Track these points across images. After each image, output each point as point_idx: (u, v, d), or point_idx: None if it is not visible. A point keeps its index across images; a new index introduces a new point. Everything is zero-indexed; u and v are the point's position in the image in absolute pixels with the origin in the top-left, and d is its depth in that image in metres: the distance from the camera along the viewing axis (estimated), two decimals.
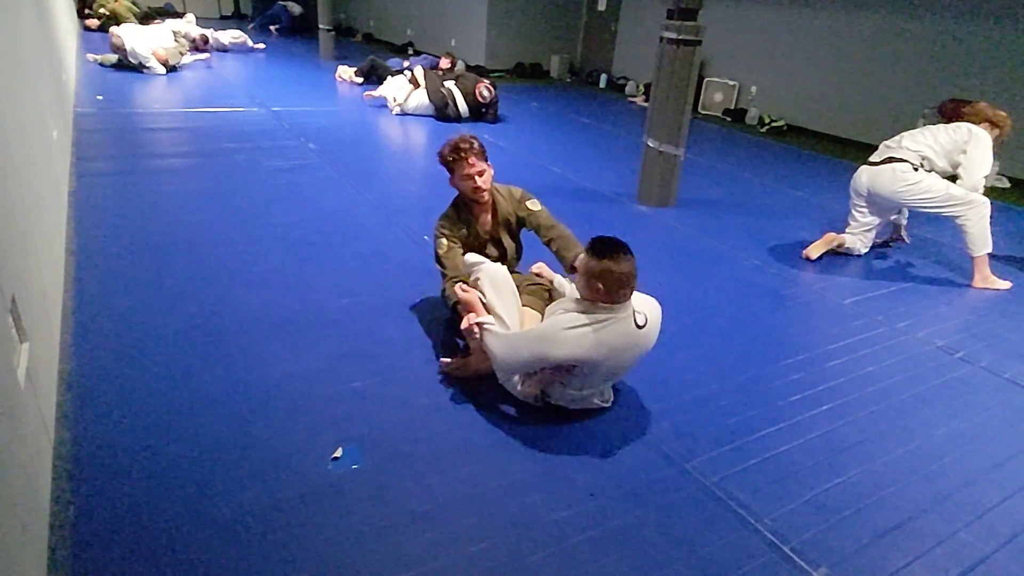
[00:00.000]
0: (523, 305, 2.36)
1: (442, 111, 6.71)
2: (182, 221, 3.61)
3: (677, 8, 4.06)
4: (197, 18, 10.92)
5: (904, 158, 3.59)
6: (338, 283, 3.05)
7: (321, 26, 10.29)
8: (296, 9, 13.63)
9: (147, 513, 1.67)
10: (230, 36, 10.37)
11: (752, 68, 8.26)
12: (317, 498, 1.77)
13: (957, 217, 3.53)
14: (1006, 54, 5.93)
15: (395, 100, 6.91)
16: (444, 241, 2.56)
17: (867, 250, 3.94)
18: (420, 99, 6.79)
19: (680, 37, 4.09)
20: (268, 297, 2.85)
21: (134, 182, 4.15)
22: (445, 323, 2.73)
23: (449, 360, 2.41)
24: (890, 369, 2.70)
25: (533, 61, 10.87)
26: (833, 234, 3.88)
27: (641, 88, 9.50)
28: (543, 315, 2.29)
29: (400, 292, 2.99)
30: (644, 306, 2.09)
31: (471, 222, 2.63)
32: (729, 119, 8.38)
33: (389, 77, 7.47)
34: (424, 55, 9.46)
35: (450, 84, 6.80)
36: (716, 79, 8.58)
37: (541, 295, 2.44)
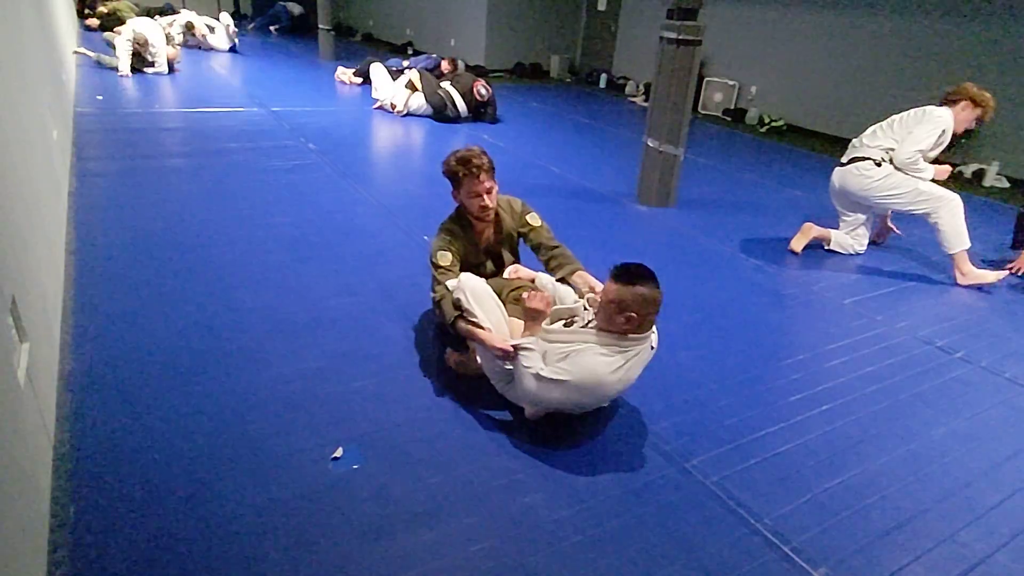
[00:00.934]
0: (509, 316, 2.27)
1: (441, 112, 6.71)
2: (182, 221, 3.61)
3: (677, 8, 4.06)
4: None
5: (866, 156, 3.64)
6: (338, 283, 3.05)
7: (321, 26, 10.29)
8: (296, 9, 13.63)
9: (147, 513, 1.67)
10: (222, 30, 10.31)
11: (752, 68, 8.26)
12: (317, 498, 1.77)
13: (929, 215, 3.55)
14: (1005, 54, 5.93)
15: (395, 108, 6.93)
16: (448, 255, 2.39)
17: (863, 249, 3.95)
18: (419, 101, 6.80)
19: (680, 37, 4.09)
20: (268, 297, 2.85)
21: (134, 182, 4.15)
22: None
23: (457, 354, 2.39)
24: (890, 369, 2.70)
25: (533, 61, 10.87)
26: (811, 224, 3.93)
27: (641, 88, 9.50)
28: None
29: (400, 292, 2.99)
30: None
31: (473, 237, 2.53)
32: (729, 119, 8.38)
33: (378, 73, 7.39)
34: (426, 55, 9.45)
35: (446, 84, 6.79)
36: (716, 79, 8.58)
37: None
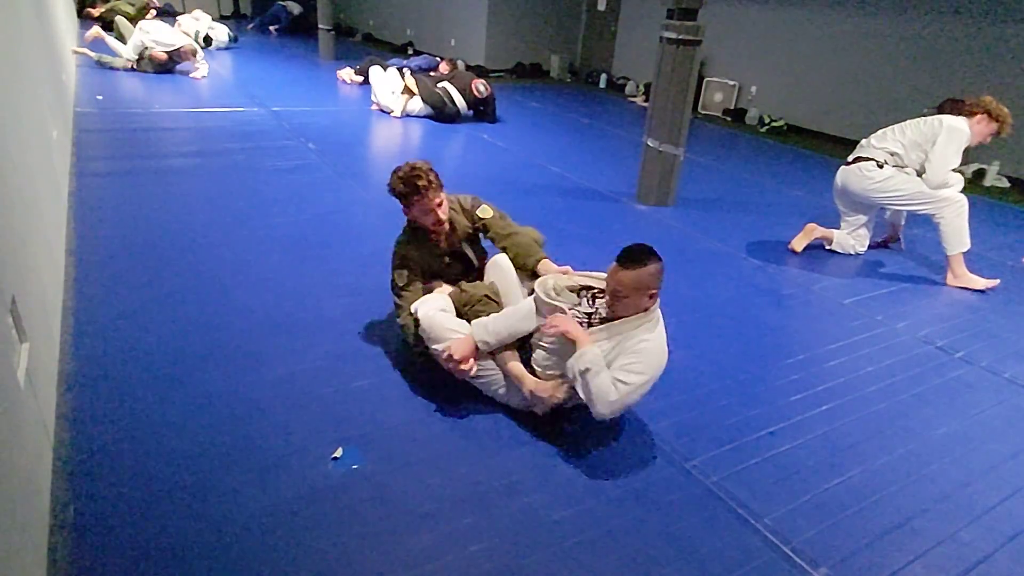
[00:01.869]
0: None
1: (441, 111, 6.70)
2: (182, 221, 3.61)
3: (677, 8, 4.06)
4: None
5: (870, 156, 3.64)
6: (338, 283, 3.05)
7: (321, 26, 10.28)
8: (296, 9, 13.61)
9: (147, 513, 1.67)
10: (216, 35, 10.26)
11: (752, 68, 8.26)
12: (317, 498, 1.77)
13: (933, 215, 3.54)
14: (1006, 54, 5.93)
15: (392, 113, 6.93)
16: (405, 272, 2.40)
17: (864, 250, 3.94)
18: (417, 104, 6.79)
19: (680, 37, 4.09)
20: (268, 297, 2.85)
21: (134, 182, 4.15)
22: None
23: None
24: (890, 369, 2.70)
25: (533, 61, 10.86)
26: (814, 225, 3.93)
27: (641, 88, 9.50)
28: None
29: None
30: None
31: (430, 247, 2.50)
32: (729, 119, 8.38)
33: (376, 78, 7.35)
34: (423, 56, 9.45)
35: (445, 83, 6.77)
36: (716, 79, 8.58)
37: (494, 311, 2.29)
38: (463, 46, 10.94)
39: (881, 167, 3.59)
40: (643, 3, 9.57)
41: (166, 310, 2.67)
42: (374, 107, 7.11)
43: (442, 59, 8.05)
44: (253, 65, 9.44)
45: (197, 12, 10.46)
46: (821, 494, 1.95)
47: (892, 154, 3.61)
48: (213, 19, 10.73)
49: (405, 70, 7.20)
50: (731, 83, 8.43)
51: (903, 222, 4.13)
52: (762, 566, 1.68)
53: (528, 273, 2.42)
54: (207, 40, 9.95)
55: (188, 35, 8.98)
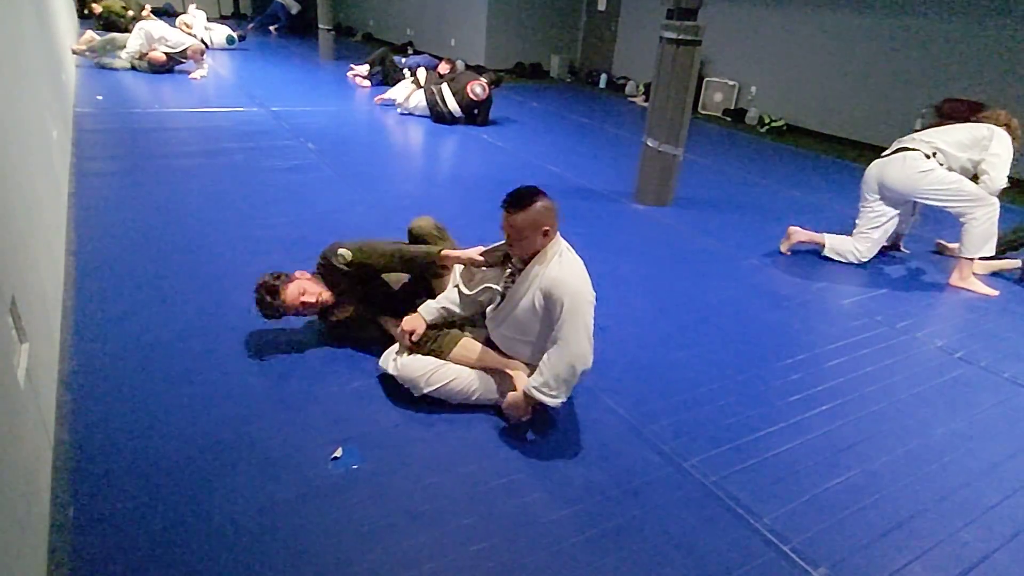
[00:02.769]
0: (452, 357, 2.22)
1: (434, 110, 6.69)
2: (182, 221, 3.61)
3: (677, 8, 4.06)
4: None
5: (916, 148, 3.51)
6: None
7: (321, 26, 10.28)
8: (294, 7, 13.59)
9: (147, 513, 1.67)
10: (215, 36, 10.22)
11: (752, 68, 8.26)
12: (317, 498, 1.77)
13: (964, 214, 3.42)
14: (1006, 54, 5.93)
15: (397, 101, 6.97)
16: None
17: (868, 259, 3.76)
18: (420, 99, 6.79)
19: (680, 37, 4.09)
20: None
21: (134, 182, 4.15)
22: None
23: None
24: (890, 369, 2.70)
25: (533, 61, 10.87)
26: (796, 228, 3.85)
27: (641, 88, 9.50)
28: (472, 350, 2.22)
29: None
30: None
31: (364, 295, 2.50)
32: (729, 119, 8.38)
33: (402, 79, 7.41)
34: (423, 54, 9.45)
35: (443, 85, 6.72)
36: (716, 79, 8.58)
37: (456, 339, 2.24)
38: (463, 46, 10.94)
39: (928, 158, 3.46)
40: (643, 3, 9.57)
41: (166, 310, 2.67)
42: (378, 100, 7.12)
43: (441, 59, 8.04)
44: (253, 65, 9.44)
45: (194, 11, 10.28)
46: (821, 494, 1.95)
47: (938, 150, 3.50)
48: (209, 18, 10.64)
49: (420, 68, 7.21)
50: (731, 83, 8.43)
51: (908, 230, 4.07)
52: (761, 566, 1.68)
53: (434, 272, 2.39)
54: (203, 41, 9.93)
55: (193, 35, 8.98)
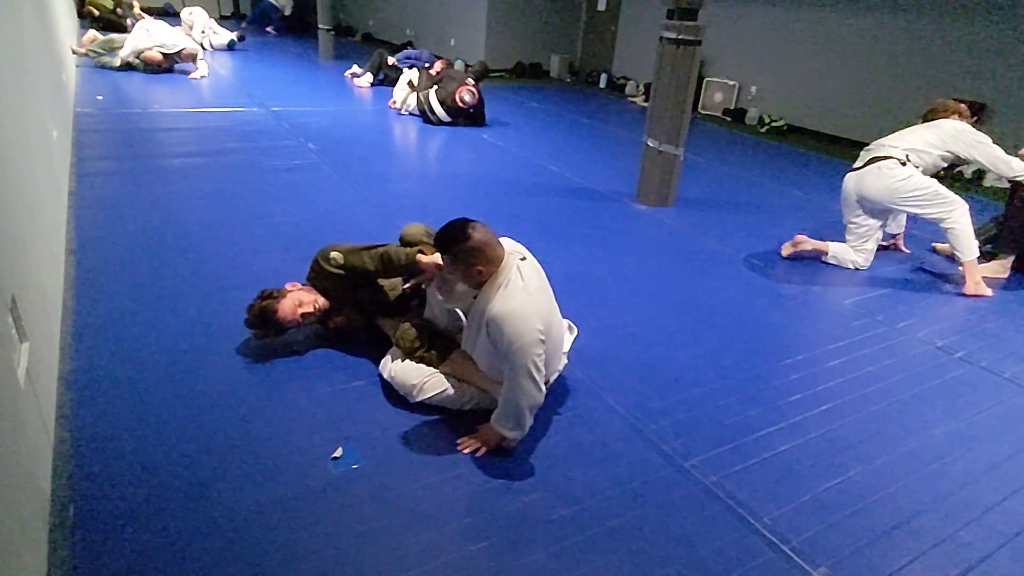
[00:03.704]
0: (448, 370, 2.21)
1: (424, 115, 6.71)
2: (182, 221, 3.61)
3: (677, 8, 4.06)
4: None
5: (888, 155, 3.50)
6: None
7: (321, 26, 10.28)
8: (287, 8, 13.50)
9: (147, 513, 1.67)
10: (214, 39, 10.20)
11: (752, 68, 8.26)
12: (317, 497, 1.77)
13: (944, 218, 3.43)
14: (1005, 54, 5.93)
15: (393, 103, 6.99)
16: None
17: (867, 265, 3.73)
18: (415, 100, 6.80)
19: (680, 37, 4.09)
20: None
21: (134, 182, 4.15)
22: None
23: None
24: (890, 369, 2.70)
25: (533, 61, 10.86)
26: (804, 236, 3.76)
27: (641, 88, 9.50)
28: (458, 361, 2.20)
29: None
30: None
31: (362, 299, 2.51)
32: (729, 119, 8.38)
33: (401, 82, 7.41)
34: (416, 51, 9.38)
35: (429, 91, 6.68)
36: (716, 79, 8.58)
37: (448, 351, 2.24)
38: (463, 46, 10.94)
39: (903, 164, 3.45)
40: (643, 3, 9.57)
41: (166, 310, 2.67)
42: (393, 104, 7.14)
43: (438, 59, 8.04)
44: (253, 65, 9.44)
45: (196, 11, 10.24)
46: (821, 494, 1.95)
47: (911, 151, 3.48)
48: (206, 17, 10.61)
49: (413, 70, 7.20)
50: (731, 83, 8.43)
51: (902, 229, 4.06)
52: (761, 565, 1.68)
53: (414, 272, 2.35)
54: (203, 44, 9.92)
55: (192, 36, 8.96)
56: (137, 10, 9.74)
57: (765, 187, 5.40)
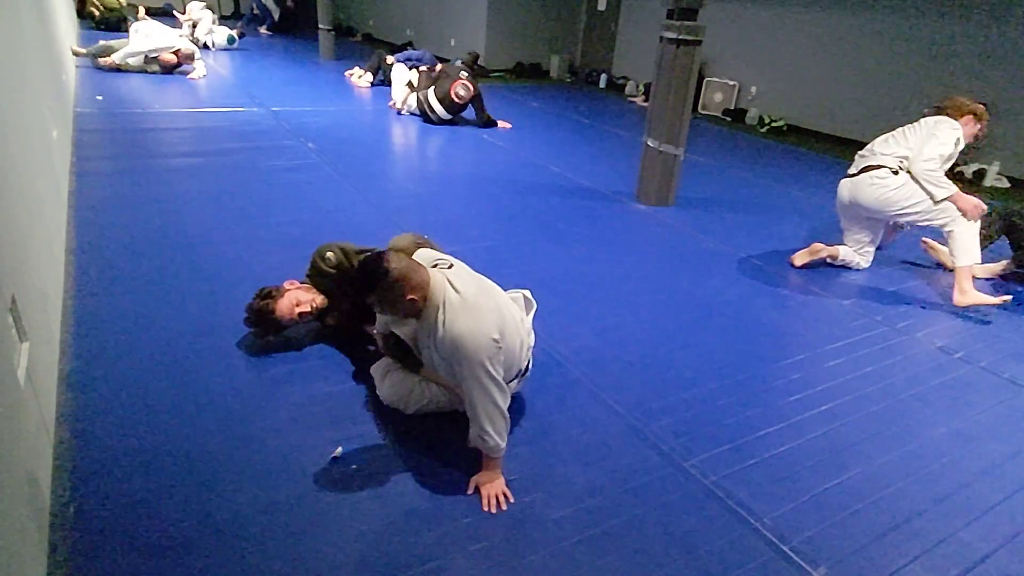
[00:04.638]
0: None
1: (424, 115, 6.71)
2: (182, 221, 3.61)
3: (677, 8, 4.06)
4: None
5: (881, 164, 3.43)
6: None
7: (321, 26, 10.28)
8: (275, 9, 13.44)
9: (147, 513, 1.67)
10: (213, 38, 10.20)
11: (752, 68, 8.26)
12: (317, 497, 1.77)
13: (945, 224, 3.35)
14: (1006, 54, 5.93)
15: (393, 104, 7.00)
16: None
17: (868, 264, 3.73)
18: (415, 100, 6.80)
19: (680, 37, 4.09)
20: None
21: (134, 182, 4.15)
22: None
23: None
24: (890, 369, 2.70)
25: (533, 61, 10.86)
26: (820, 245, 3.68)
27: (641, 88, 9.49)
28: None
29: None
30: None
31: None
32: (729, 119, 8.38)
33: (398, 76, 7.40)
34: (418, 51, 9.38)
35: (428, 90, 6.69)
36: (716, 79, 8.58)
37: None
38: (463, 46, 10.93)
39: (896, 173, 3.38)
40: (643, 3, 9.57)
41: (166, 310, 2.67)
42: (393, 106, 7.13)
43: (441, 61, 8.03)
44: (253, 65, 9.44)
45: (197, 11, 10.22)
46: (821, 494, 1.95)
47: (902, 158, 3.41)
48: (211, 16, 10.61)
49: (413, 71, 7.20)
50: (731, 83, 8.43)
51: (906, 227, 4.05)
52: (761, 565, 1.68)
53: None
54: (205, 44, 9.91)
55: (195, 35, 8.95)
56: (141, 13, 9.76)
57: (765, 187, 5.40)
